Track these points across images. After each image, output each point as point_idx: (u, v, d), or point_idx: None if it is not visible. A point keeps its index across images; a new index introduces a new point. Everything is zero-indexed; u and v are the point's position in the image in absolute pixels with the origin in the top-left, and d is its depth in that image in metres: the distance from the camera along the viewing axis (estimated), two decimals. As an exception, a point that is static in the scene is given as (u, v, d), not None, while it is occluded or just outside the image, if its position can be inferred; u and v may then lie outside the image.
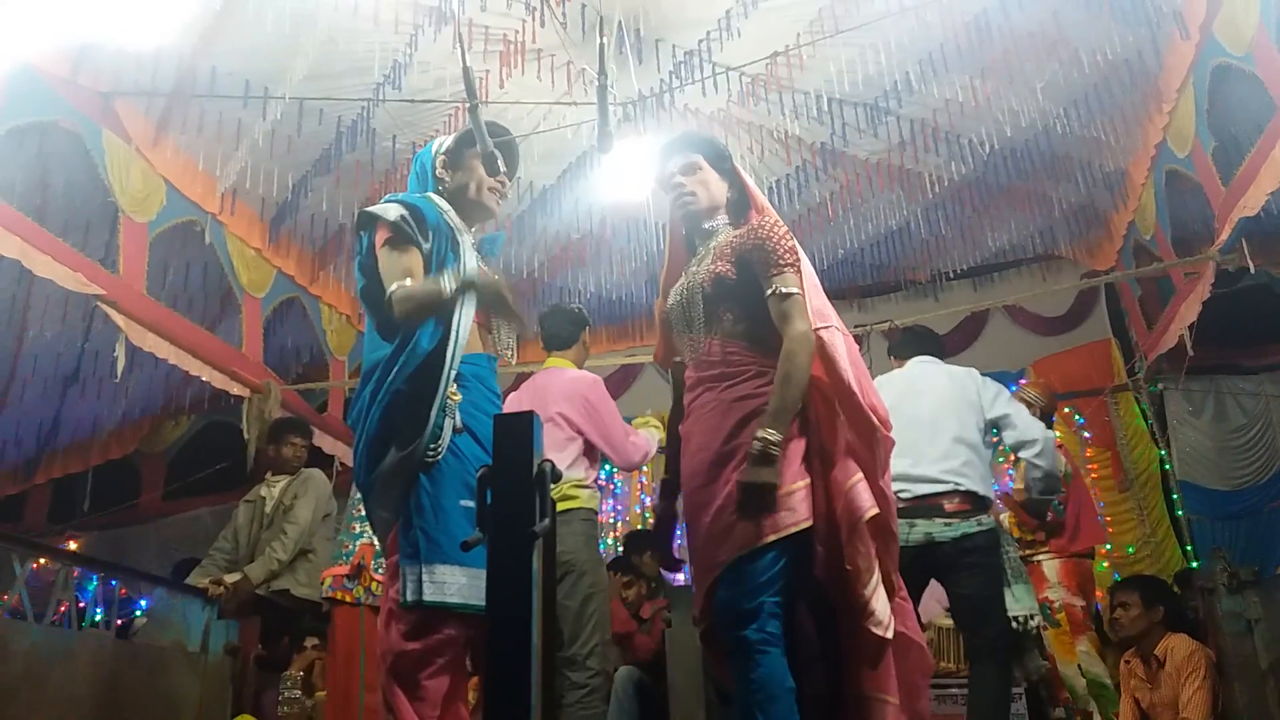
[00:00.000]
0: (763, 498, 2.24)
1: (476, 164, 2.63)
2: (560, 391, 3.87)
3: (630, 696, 4.89)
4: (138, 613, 7.00)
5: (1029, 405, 4.91)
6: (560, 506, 3.66)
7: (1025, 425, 3.85)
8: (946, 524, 3.63)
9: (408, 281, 2.34)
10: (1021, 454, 3.84)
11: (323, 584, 4.19)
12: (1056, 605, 4.58)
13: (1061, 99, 5.75)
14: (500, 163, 2.65)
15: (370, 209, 2.46)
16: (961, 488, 3.67)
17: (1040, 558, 4.69)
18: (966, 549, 3.64)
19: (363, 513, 4.14)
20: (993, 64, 5.43)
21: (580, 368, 4.11)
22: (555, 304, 4.39)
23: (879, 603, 2.25)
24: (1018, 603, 4.26)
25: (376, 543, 4.01)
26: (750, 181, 2.64)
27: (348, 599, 4.04)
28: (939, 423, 3.74)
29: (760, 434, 2.27)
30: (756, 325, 2.40)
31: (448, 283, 2.32)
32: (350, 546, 4.14)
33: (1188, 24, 4.92)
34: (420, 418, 2.33)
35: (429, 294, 2.32)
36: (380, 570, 3.97)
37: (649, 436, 4.01)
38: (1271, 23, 4.24)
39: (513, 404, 3.84)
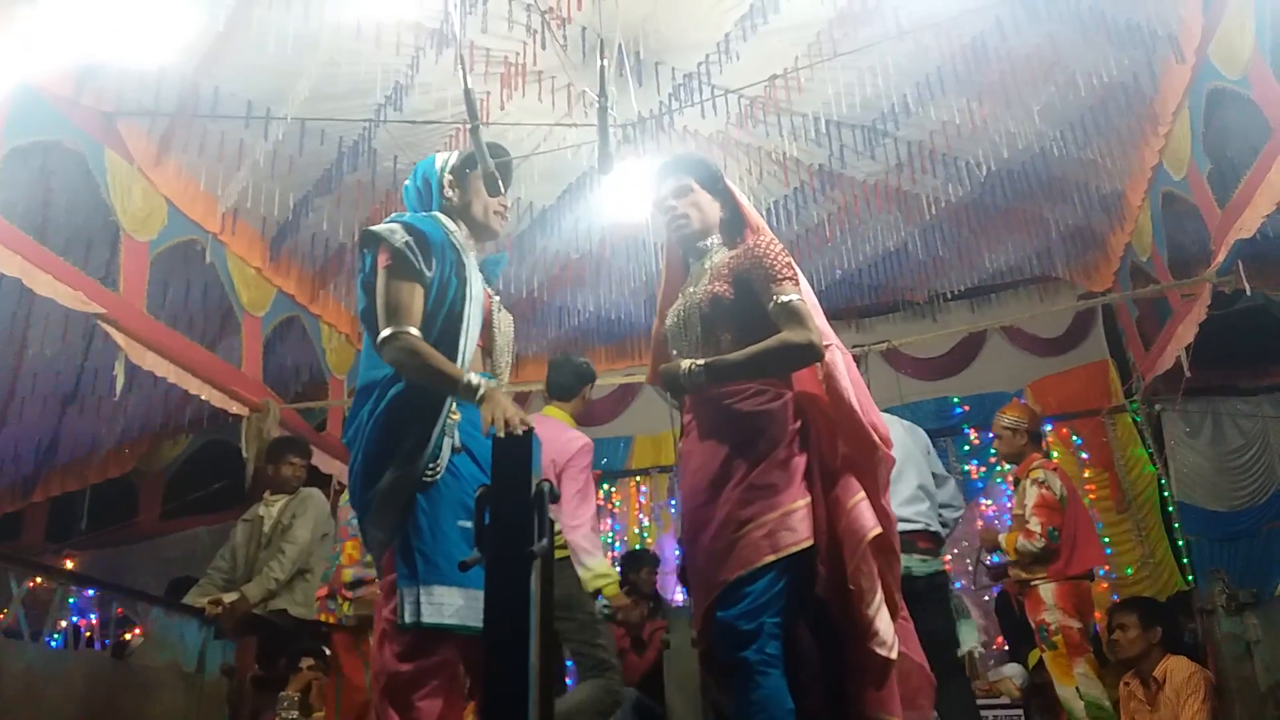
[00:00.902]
0: (667, 381, 2.48)
1: (481, 185, 2.63)
2: (558, 448, 3.93)
3: (629, 716, 4.88)
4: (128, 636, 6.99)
5: (1012, 432, 4.94)
6: (557, 555, 3.73)
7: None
8: (922, 560, 4.09)
9: (413, 330, 2.31)
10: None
11: (284, 610, 4.21)
12: (1053, 628, 4.57)
13: (1058, 121, 5.78)
14: (500, 183, 2.65)
15: (375, 229, 2.43)
16: (930, 529, 4.15)
17: (1036, 582, 4.68)
18: (937, 584, 4.15)
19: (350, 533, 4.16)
20: (990, 87, 5.46)
21: (576, 421, 4.22)
22: (566, 355, 4.42)
23: (883, 622, 2.25)
24: (967, 640, 4.64)
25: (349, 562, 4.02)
26: (744, 200, 2.65)
27: (331, 620, 4.04)
28: (905, 469, 4.17)
29: (695, 363, 2.38)
30: (753, 345, 2.40)
31: (470, 381, 2.25)
32: (329, 567, 4.16)
33: (1183, 48, 4.96)
34: (422, 437, 2.32)
35: (436, 374, 2.28)
36: (352, 589, 3.98)
37: (601, 561, 3.92)
38: (1267, 46, 4.27)
39: None
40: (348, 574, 3.98)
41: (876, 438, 2.35)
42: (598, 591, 3.80)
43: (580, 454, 3.99)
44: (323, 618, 4.09)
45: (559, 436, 3.99)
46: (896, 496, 4.02)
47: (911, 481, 4.21)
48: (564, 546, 3.82)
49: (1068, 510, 4.70)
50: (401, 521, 2.30)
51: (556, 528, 3.79)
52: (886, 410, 4.50)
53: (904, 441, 4.31)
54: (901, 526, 3.87)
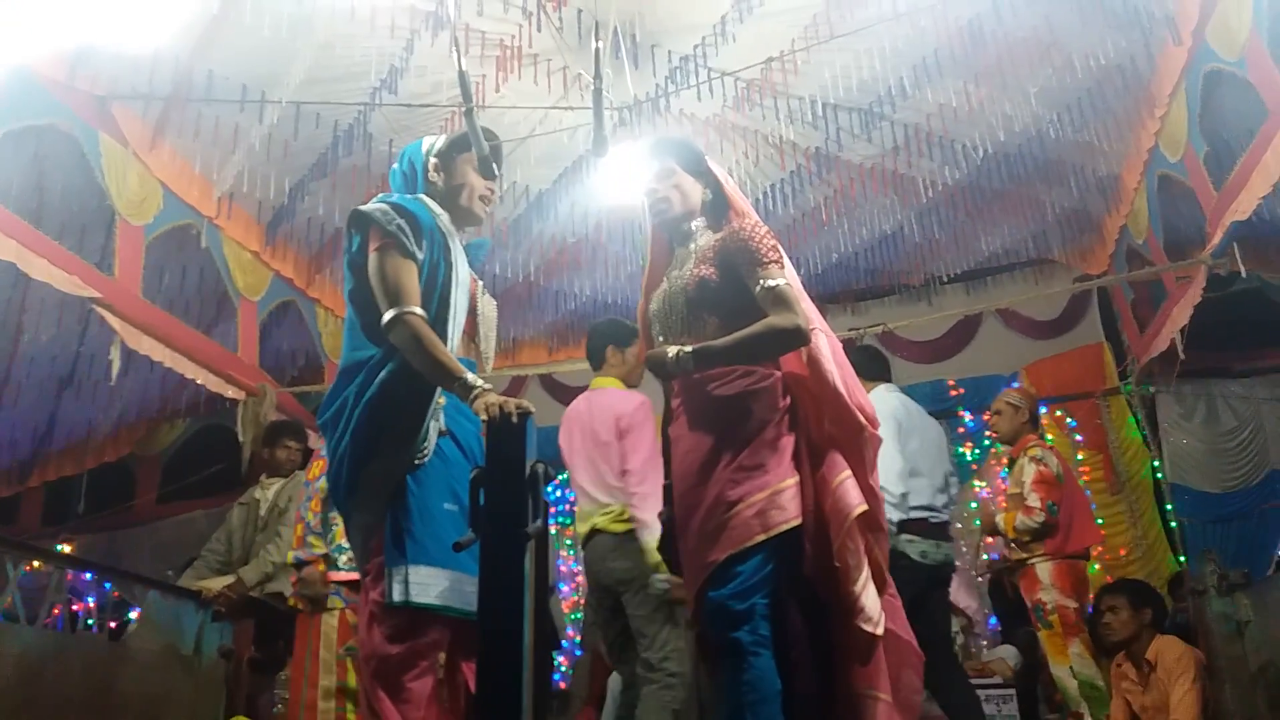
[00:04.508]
0: (653, 367, 2.46)
1: (468, 169, 2.62)
2: (615, 413, 3.78)
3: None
4: (130, 615, 7.02)
5: (1015, 409, 4.99)
6: (619, 528, 3.67)
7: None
8: (951, 548, 4.30)
9: (418, 311, 2.30)
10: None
11: (281, 593, 4.19)
12: (1049, 607, 4.59)
13: (1055, 104, 5.77)
14: (493, 166, 2.65)
15: (365, 209, 2.43)
16: (949, 520, 4.35)
17: (1034, 560, 4.70)
18: (953, 573, 4.38)
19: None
20: (986, 69, 5.45)
21: (630, 383, 3.99)
22: (596, 321, 4.19)
23: (869, 599, 2.27)
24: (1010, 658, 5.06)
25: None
26: (728, 183, 2.64)
27: (294, 603, 4.03)
28: (938, 460, 4.36)
29: (683, 350, 2.37)
30: (740, 328, 2.39)
31: (467, 379, 2.22)
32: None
33: (1180, 29, 4.94)
34: (414, 421, 2.32)
35: (437, 365, 2.25)
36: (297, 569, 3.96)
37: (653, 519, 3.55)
38: (1264, 28, 4.26)
39: (564, 421, 3.91)
40: (290, 555, 3.97)
41: (863, 419, 2.36)
42: (657, 567, 3.49)
43: (637, 412, 3.74)
44: (290, 600, 4.10)
45: (611, 401, 3.82)
46: (936, 485, 4.24)
47: (941, 473, 4.33)
48: (622, 519, 3.67)
49: (1065, 488, 4.73)
50: (389, 505, 2.30)
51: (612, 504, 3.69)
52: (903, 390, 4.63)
53: (933, 431, 4.48)
54: (942, 516, 4.22)
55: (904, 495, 4.11)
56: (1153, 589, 5.00)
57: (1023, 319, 7.84)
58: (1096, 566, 6.44)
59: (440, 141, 2.66)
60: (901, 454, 4.16)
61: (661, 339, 2.55)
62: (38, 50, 4.54)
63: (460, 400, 2.26)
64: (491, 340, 2.66)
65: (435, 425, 2.37)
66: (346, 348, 2.45)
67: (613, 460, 3.72)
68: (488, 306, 2.66)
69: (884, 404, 4.19)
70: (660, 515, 2.83)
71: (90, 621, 5.78)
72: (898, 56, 5.28)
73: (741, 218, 2.52)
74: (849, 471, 2.35)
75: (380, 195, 2.52)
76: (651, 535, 3.47)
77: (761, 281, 2.38)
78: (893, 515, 3.98)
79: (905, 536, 4.04)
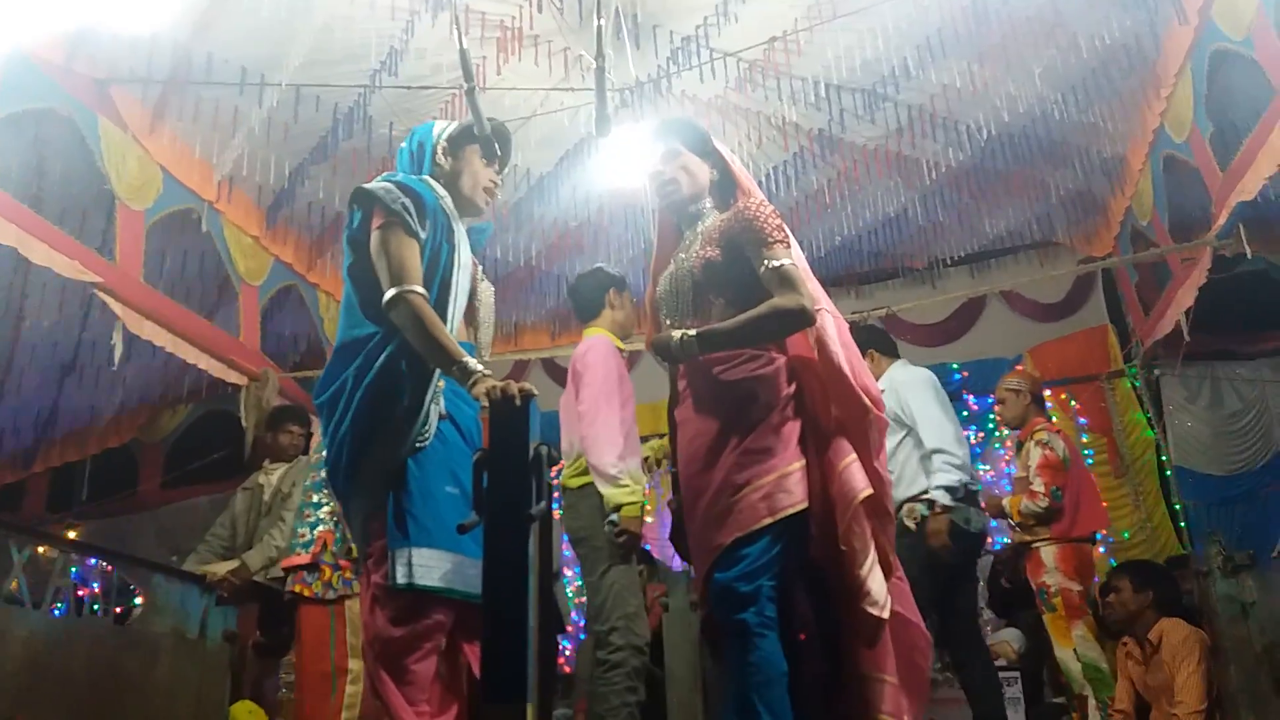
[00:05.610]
0: (659, 351, 2.45)
1: (475, 158, 2.60)
2: (574, 363, 3.73)
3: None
4: (135, 600, 7.03)
5: (1016, 394, 4.98)
6: (577, 482, 3.66)
7: None
8: (983, 517, 4.36)
9: (419, 290, 2.28)
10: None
11: (284, 577, 4.18)
12: (1053, 590, 4.59)
13: (1059, 84, 5.72)
14: (496, 148, 2.64)
15: (369, 187, 2.41)
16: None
17: (1039, 544, 4.70)
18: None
19: (315, 499, 4.14)
20: (991, 49, 5.41)
21: (627, 330, 3.86)
22: (580, 275, 3.98)
23: (875, 583, 2.27)
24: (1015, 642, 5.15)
25: (334, 531, 4.00)
26: (735, 163, 2.63)
27: (307, 593, 4.03)
28: (957, 429, 4.37)
29: (687, 333, 2.36)
30: (747, 309, 2.38)
31: (466, 363, 2.20)
32: (308, 535, 4.11)
33: (1186, 8, 4.90)
34: (415, 402, 2.31)
35: (437, 346, 2.23)
36: (330, 560, 3.97)
37: (618, 477, 3.41)
38: (1270, 7, 4.22)
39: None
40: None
41: (868, 401, 2.35)
42: (616, 509, 3.32)
43: (588, 353, 3.61)
44: (298, 589, 4.06)
45: (581, 344, 3.72)
46: (960, 454, 4.21)
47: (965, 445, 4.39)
48: (582, 473, 3.59)
49: (1071, 472, 4.72)
50: (390, 488, 2.29)
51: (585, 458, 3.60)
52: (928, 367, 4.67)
53: (948, 403, 4.47)
54: (974, 485, 4.25)
55: (965, 459, 4.18)
56: (1161, 569, 5.01)
57: (1027, 301, 7.82)
58: (1102, 550, 6.44)
59: (452, 127, 2.64)
60: (949, 417, 4.24)
61: (669, 322, 2.53)
62: (35, 33, 4.52)
63: (459, 384, 2.24)
64: (489, 326, 2.64)
65: (436, 409, 2.36)
66: (343, 325, 2.42)
67: (572, 406, 3.68)
68: (485, 292, 2.64)
69: (914, 374, 4.39)
70: (670, 504, 2.79)
71: (96, 606, 5.80)
72: (901, 36, 5.24)
73: (747, 197, 2.50)
74: (855, 455, 2.34)
75: (384, 174, 2.50)
76: (607, 483, 3.35)
77: (766, 262, 2.36)
78: (963, 479, 4.09)
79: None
